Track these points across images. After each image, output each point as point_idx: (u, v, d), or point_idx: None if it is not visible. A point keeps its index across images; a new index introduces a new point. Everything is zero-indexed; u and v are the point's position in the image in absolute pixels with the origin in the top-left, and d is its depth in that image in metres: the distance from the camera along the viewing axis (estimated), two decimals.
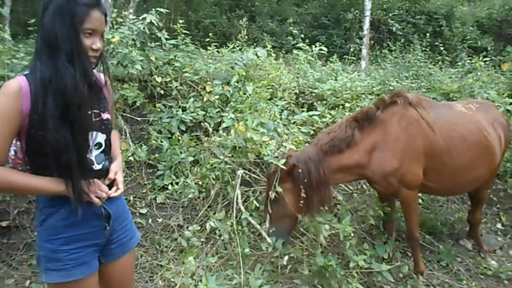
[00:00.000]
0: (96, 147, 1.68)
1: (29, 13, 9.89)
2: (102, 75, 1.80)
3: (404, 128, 3.07)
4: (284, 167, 2.87)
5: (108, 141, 1.75)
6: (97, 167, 1.69)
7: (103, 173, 1.73)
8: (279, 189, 2.88)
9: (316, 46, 5.70)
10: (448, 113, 3.40)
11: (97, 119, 1.69)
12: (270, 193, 2.93)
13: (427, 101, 3.42)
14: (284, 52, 7.16)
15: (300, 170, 2.86)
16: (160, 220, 3.55)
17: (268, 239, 2.94)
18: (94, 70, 1.69)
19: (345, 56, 7.29)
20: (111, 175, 1.74)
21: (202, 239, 3.24)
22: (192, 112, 4.15)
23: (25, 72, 1.54)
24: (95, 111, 1.68)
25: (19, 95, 1.48)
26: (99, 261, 1.77)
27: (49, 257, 1.63)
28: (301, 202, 2.89)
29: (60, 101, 1.49)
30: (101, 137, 1.70)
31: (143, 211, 3.58)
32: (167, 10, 4.64)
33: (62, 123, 1.50)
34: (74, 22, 1.52)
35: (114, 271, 1.84)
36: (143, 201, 3.66)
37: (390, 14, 12.06)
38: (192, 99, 4.26)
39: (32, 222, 3.36)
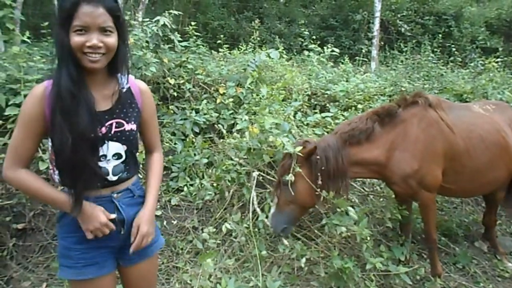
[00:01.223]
0: (114, 157, 1.64)
1: (38, 16, 9.94)
2: (138, 82, 1.77)
3: (424, 129, 3.05)
4: (301, 154, 2.83)
5: (130, 152, 1.69)
6: (112, 178, 1.65)
7: (117, 184, 1.69)
8: (297, 169, 2.82)
9: (327, 48, 5.70)
10: (467, 115, 3.38)
11: (119, 129, 1.63)
12: (285, 176, 2.87)
13: (446, 103, 3.41)
14: (294, 53, 7.15)
15: (318, 157, 2.84)
16: (175, 222, 3.55)
17: (285, 241, 2.93)
18: (125, 76, 1.67)
19: (356, 58, 7.27)
20: (133, 231, 1.68)
21: (218, 241, 3.23)
22: (205, 114, 4.16)
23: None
24: (117, 120, 1.63)
25: (43, 98, 1.51)
26: (119, 263, 1.77)
27: (63, 254, 1.68)
28: (318, 190, 2.86)
29: (58, 106, 1.48)
30: (120, 148, 1.65)
31: (158, 213, 3.57)
32: (179, 12, 4.66)
33: (62, 130, 1.48)
34: (61, 21, 1.47)
35: (132, 276, 1.82)
36: (157, 203, 3.65)
37: (399, 15, 12.03)
38: (205, 101, 4.26)
39: (48, 225, 3.38)
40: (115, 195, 1.69)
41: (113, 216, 1.65)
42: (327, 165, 2.87)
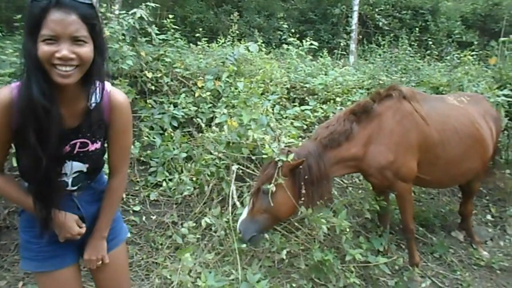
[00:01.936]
0: (74, 174, 1.61)
1: (11, 9, 9.66)
2: (114, 95, 1.59)
3: (398, 121, 3.08)
4: (290, 162, 2.78)
5: (92, 169, 1.64)
6: (71, 188, 1.64)
7: (79, 190, 1.68)
8: (280, 180, 2.77)
9: (306, 41, 5.70)
10: (441, 106, 3.43)
11: (82, 149, 1.56)
12: (266, 185, 2.82)
13: (420, 95, 3.45)
14: (273, 47, 7.14)
15: (300, 167, 2.81)
16: (154, 218, 3.51)
17: (265, 235, 2.92)
18: (98, 90, 1.51)
19: (334, 51, 7.31)
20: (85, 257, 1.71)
21: (197, 236, 3.20)
22: (183, 108, 4.11)
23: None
24: (82, 140, 1.54)
25: (10, 107, 1.40)
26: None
27: (24, 246, 1.69)
28: (302, 199, 2.84)
29: (31, 123, 1.38)
30: (81, 166, 1.60)
31: (137, 208, 3.53)
32: (156, 5, 4.58)
33: (35, 149, 1.39)
34: (29, 28, 1.34)
35: (96, 269, 1.80)
36: (136, 199, 3.62)
37: (377, 9, 12.13)
38: (183, 95, 4.22)
39: None
40: (75, 193, 1.68)
41: (83, 229, 1.66)
42: (310, 174, 2.85)
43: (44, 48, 1.31)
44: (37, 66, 1.34)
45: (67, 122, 1.48)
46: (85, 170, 1.62)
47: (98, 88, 1.51)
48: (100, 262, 1.74)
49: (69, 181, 1.61)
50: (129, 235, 2.04)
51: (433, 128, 3.17)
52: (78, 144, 1.54)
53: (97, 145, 1.59)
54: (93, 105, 1.52)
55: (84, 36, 1.36)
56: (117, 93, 1.60)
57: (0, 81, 3.41)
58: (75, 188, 1.65)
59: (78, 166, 1.59)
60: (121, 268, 1.90)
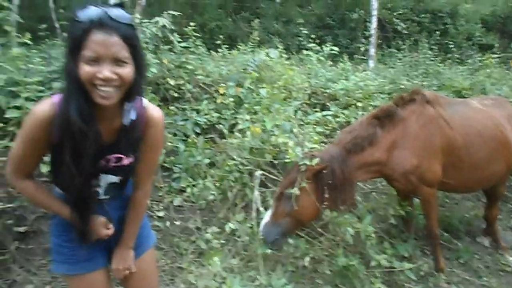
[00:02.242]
0: (107, 185, 1.65)
1: (34, 19, 9.90)
2: (150, 111, 1.59)
3: (422, 126, 3.07)
4: (314, 166, 2.80)
5: (124, 180, 1.68)
6: (102, 197, 1.67)
7: (109, 199, 1.71)
8: (304, 184, 2.79)
9: (326, 46, 5.71)
10: (465, 110, 3.40)
11: (117, 164, 1.59)
12: (289, 189, 2.84)
13: (443, 99, 3.43)
14: (293, 52, 7.16)
15: (324, 171, 2.83)
16: (178, 223, 3.55)
17: (290, 240, 2.93)
18: (133, 107, 1.52)
19: (354, 56, 7.29)
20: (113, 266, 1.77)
21: (221, 241, 3.23)
22: (206, 114, 4.15)
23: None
24: (117, 155, 1.57)
25: (49, 124, 1.42)
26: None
27: (56, 250, 1.72)
28: (325, 203, 2.85)
29: (67, 143, 1.41)
30: (114, 179, 1.64)
31: (161, 214, 3.57)
32: (179, 13, 4.65)
33: (70, 168, 1.43)
34: (71, 49, 1.35)
35: (124, 277, 1.83)
36: (160, 204, 3.66)
37: (395, 13, 12.06)
38: (205, 102, 4.26)
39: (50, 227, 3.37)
40: (106, 201, 1.72)
41: (111, 230, 1.69)
42: (333, 178, 2.85)
43: (85, 69, 1.31)
44: (78, 86, 1.35)
45: (104, 138, 1.50)
46: (117, 181, 1.66)
47: (135, 105, 1.53)
48: (127, 271, 1.78)
49: (102, 191, 1.65)
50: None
51: (457, 132, 3.15)
52: (113, 159, 1.57)
53: (131, 159, 1.61)
54: (129, 121, 1.53)
55: (126, 57, 1.36)
56: (153, 109, 1.61)
57: (28, 89, 3.51)
58: (107, 197, 1.68)
59: (111, 178, 1.63)
60: (149, 275, 1.93)
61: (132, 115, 1.53)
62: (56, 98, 1.44)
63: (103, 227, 1.66)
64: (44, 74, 3.91)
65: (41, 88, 3.64)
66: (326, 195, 2.83)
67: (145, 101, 1.59)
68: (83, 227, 1.57)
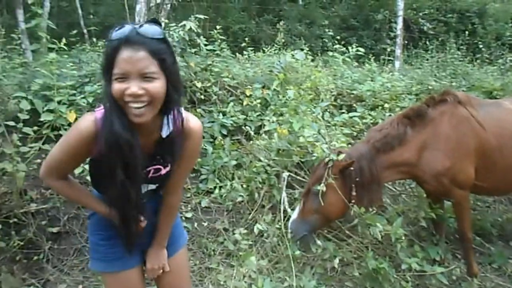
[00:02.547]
0: (144, 192, 1.69)
1: (63, 26, 10.18)
2: (189, 123, 1.59)
3: (454, 126, 3.01)
4: (339, 161, 2.79)
5: (161, 187, 1.73)
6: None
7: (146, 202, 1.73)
8: (330, 180, 2.78)
9: (352, 48, 5.68)
10: (497, 111, 3.31)
11: (155, 174, 1.62)
12: (316, 185, 2.83)
13: (475, 100, 3.35)
14: (317, 54, 7.16)
15: (352, 168, 2.81)
16: (205, 224, 3.57)
17: (318, 242, 2.91)
18: (171, 120, 1.53)
19: (380, 57, 7.23)
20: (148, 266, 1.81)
21: (249, 242, 3.24)
22: (232, 116, 4.18)
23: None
24: (156, 167, 1.61)
25: (93, 138, 1.45)
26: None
27: (93, 248, 1.78)
28: (352, 201, 2.84)
29: (126, 159, 1.44)
30: (152, 187, 1.69)
31: (189, 215, 3.60)
32: (205, 16, 4.70)
33: (123, 183, 1.47)
34: (104, 68, 1.38)
35: (157, 276, 1.87)
36: (188, 205, 3.70)
37: (421, 14, 11.91)
38: (231, 104, 4.29)
39: (82, 228, 3.44)
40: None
41: (144, 223, 1.70)
42: (361, 176, 2.83)
43: (116, 86, 1.34)
44: (114, 104, 1.37)
45: (144, 150, 1.51)
46: (154, 188, 1.71)
47: (174, 117, 1.53)
48: (161, 270, 1.83)
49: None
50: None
51: (490, 134, 3.07)
52: (152, 170, 1.61)
53: (168, 168, 1.63)
54: (168, 134, 1.54)
55: (153, 72, 1.35)
56: (192, 120, 1.60)
57: (60, 93, 3.60)
58: (144, 200, 1.70)
59: (150, 187, 1.68)
60: (182, 273, 1.96)
61: (171, 127, 1.54)
62: (99, 114, 1.45)
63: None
64: (75, 79, 4.02)
65: (73, 92, 3.74)
66: (354, 193, 2.82)
67: (184, 112, 1.59)
68: (127, 234, 1.63)
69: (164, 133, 1.53)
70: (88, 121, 1.45)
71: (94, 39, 6.65)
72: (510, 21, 12.26)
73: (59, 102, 3.52)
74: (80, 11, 10.51)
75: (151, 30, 1.37)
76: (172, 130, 1.53)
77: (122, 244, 1.65)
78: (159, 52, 1.36)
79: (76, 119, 3.41)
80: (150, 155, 1.56)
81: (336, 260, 2.86)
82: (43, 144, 3.39)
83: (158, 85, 1.36)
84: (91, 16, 10.21)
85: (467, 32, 8.03)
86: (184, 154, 1.62)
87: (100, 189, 1.69)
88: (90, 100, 3.73)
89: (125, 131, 1.38)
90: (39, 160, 3.49)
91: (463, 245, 3.24)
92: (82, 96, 3.75)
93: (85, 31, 9.52)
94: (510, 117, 3.27)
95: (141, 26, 1.37)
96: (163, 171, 1.63)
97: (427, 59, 6.86)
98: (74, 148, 1.48)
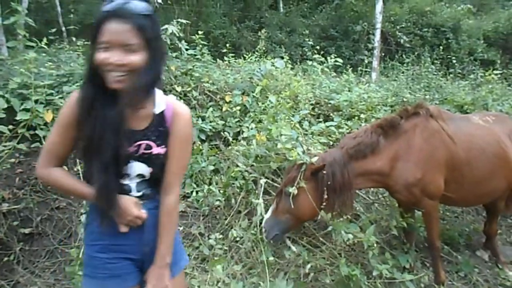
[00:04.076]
0: (138, 177, 1.64)
1: (40, 22, 10.00)
2: (176, 105, 1.66)
3: (426, 139, 3.11)
4: (312, 164, 2.87)
5: (156, 174, 1.64)
6: (135, 194, 1.65)
7: (143, 199, 1.68)
8: (302, 184, 2.85)
9: (330, 58, 5.78)
10: (467, 126, 3.44)
11: (146, 151, 1.60)
12: (288, 187, 2.90)
13: (446, 114, 3.47)
14: (296, 62, 7.25)
15: (324, 172, 2.88)
16: (181, 228, 3.57)
17: (293, 248, 2.96)
18: (164, 97, 1.63)
19: (358, 68, 7.38)
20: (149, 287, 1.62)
21: (224, 248, 3.26)
22: (211, 122, 4.21)
23: None
24: (147, 142, 1.60)
25: (75, 106, 1.53)
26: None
27: (87, 263, 1.67)
28: (323, 204, 2.91)
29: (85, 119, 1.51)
30: (144, 169, 1.62)
31: None
32: (187, 21, 4.72)
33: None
34: (91, 36, 1.46)
35: None
36: None
37: (398, 27, 12.20)
38: (211, 109, 4.31)
39: (55, 229, 3.40)
40: (140, 202, 1.68)
41: (144, 214, 1.65)
42: (333, 180, 2.91)
43: (98, 55, 1.43)
44: (92, 71, 1.47)
45: (134, 123, 1.57)
46: (147, 175, 1.64)
47: (160, 97, 1.62)
48: None
49: (133, 185, 1.64)
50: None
51: (460, 147, 3.19)
52: (143, 145, 1.60)
53: (161, 150, 1.62)
54: (158, 111, 1.61)
55: (135, 44, 1.44)
56: (180, 105, 1.68)
57: (38, 92, 3.56)
58: (139, 194, 1.65)
59: (141, 168, 1.61)
60: None
61: (162, 106, 1.62)
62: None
63: (135, 206, 1.62)
64: (53, 78, 3.97)
65: (50, 91, 3.69)
66: (325, 196, 2.89)
67: (173, 98, 1.69)
68: (105, 205, 1.56)
69: (157, 110, 1.61)
70: (74, 92, 1.57)
71: (74, 38, 6.54)
72: (482, 38, 12.71)
73: (36, 101, 3.47)
74: (59, 9, 10.31)
75: (139, 6, 1.46)
76: (164, 109, 1.62)
77: (105, 223, 1.59)
78: (143, 26, 1.45)
79: (53, 119, 3.37)
80: (142, 129, 1.60)
81: (308, 266, 2.91)
82: (18, 143, 3.34)
83: (138, 58, 1.45)
84: (71, 15, 10.03)
85: (441, 47, 8.26)
86: (176, 136, 1.64)
87: (88, 176, 1.61)
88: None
89: (95, 98, 1.48)
90: (13, 160, 3.43)
91: (432, 253, 3.34)
92: (60, 96, 3.71)
93: (63, 29, 9.36)
94: (479, 132, 3.41)
95: (130, 1, 1.45)
96: (155, 150, 1.61)
97: (403, 72, 7.04)
98: (64, 120, 1.55)
